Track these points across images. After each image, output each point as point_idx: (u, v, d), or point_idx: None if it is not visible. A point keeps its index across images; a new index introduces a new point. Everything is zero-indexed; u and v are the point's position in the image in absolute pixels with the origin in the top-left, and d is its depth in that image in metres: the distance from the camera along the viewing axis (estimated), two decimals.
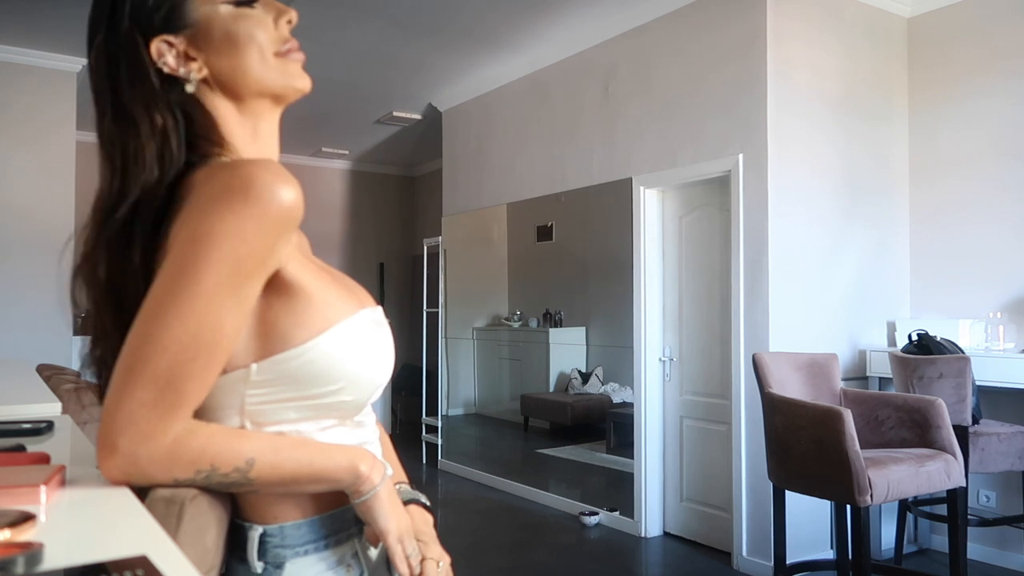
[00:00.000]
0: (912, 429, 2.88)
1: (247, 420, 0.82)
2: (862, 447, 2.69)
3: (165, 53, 0.84)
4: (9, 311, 4.77)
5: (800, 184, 3.77)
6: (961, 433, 3.01)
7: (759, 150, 3.69)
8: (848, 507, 2.89)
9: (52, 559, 0.57)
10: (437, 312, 6.27)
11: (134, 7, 0.84)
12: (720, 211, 4.00)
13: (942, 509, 3.56)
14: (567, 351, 5.12)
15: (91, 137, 0.90)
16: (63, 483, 0.79)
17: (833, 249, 3.89)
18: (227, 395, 0.82)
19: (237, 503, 0.87)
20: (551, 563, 3.93)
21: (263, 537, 0.86)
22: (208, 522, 0.79)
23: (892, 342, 4.00)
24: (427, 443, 6.36)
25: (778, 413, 2.80)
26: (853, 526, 2.71)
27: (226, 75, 0.87)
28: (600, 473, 4.91)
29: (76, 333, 5.39)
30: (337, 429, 0.88)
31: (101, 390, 0.86)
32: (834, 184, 3.90)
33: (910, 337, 3.49)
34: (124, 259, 0.83)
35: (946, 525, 3.17)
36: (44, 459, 0.90)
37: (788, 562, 3.03)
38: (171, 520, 0.74)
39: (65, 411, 1.69)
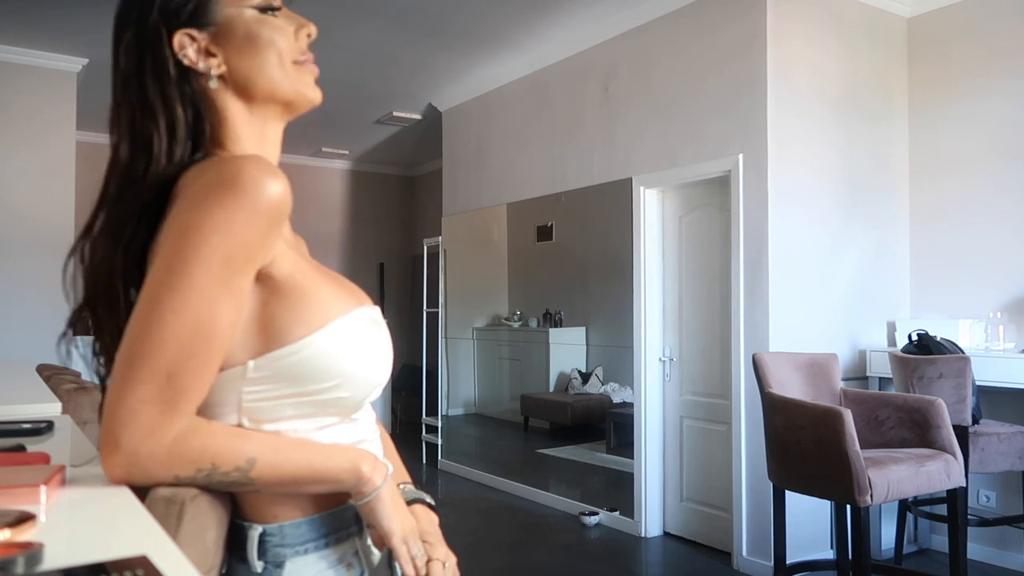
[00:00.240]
0: (912, 429, 2.88)
1: (245, 417, 0.83)
2: (862, 447, 2.69)
3: (187, 46, 0.87)
4: (9, 311, 4.77)
5: (800, 184, 3.77)
6: (961, 433, 3.01)
7: (759, 150, 3.69)
8: (848, 507, 2.89)
9: (52, 559, 0.57)
10: (437, 312, 6.27)
11: (163, 0, 0.87)
12: (720, 211, 4.00)
13: (942, 509, 3.56)
14: (567, 351, 5.12)
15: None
16: (63, 483, 0.79)
17: (833, 249, 3.89)
18: (225, 392, 0.82)
19: (237, 503, 0.88)
20: (551, 563, 3.93)
21: (263, 536, 0.86)
22: (208, 522, 0.79)
23: (892, 342, 4.00)
24: (427, 443, 6.36)
25: (778, 413, 2.80)
26: (853, 526, 2.71)
27: (243, 74, 0.88)
28: (600, 473, 4.91)
29: (76, 333, 5.40)
30: (335, 428, 0.88)
31: (104, 379, 0.89)
32: (834, 184, 3.90)
33: (910, 337, 3.49)
34: (116, 249, 0.85)
35: (946, 525, 3.17)
36: (44, 459, 0.90)
37: (788, 562, 3.03)
38: (171, 520, 0.74)
39: (65, 411, 1.69)
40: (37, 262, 4.84)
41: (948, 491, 2.81)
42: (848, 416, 2.55)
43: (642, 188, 4.31)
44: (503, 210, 5.60)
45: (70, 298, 0.89)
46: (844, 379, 3.70)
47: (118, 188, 0.86)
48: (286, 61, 0.90)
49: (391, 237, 8.65)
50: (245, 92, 0.89)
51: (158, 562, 0.56)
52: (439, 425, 6.17)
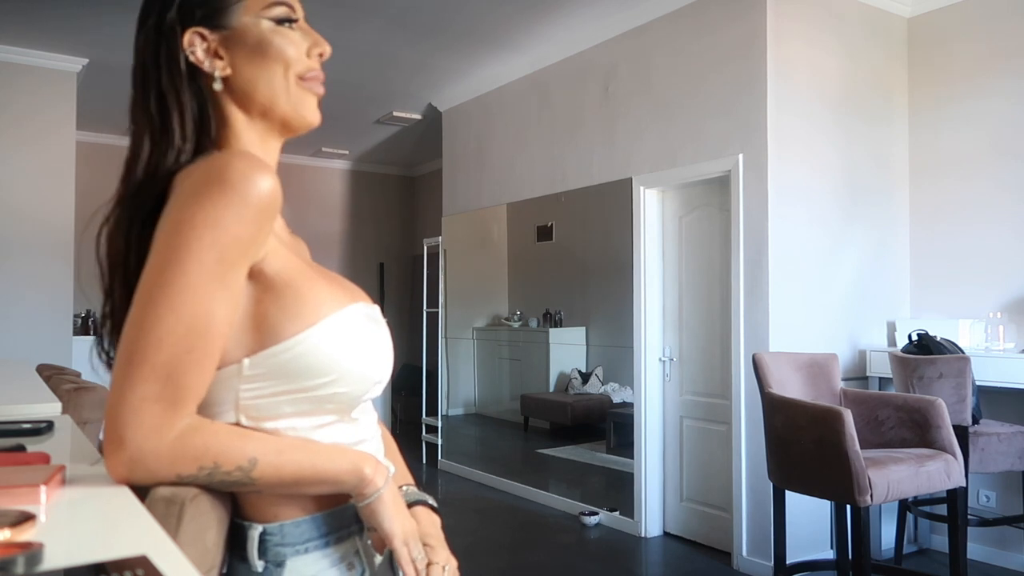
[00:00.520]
0: (912, 429, 2.88)
1: (242, 415, 0.83)
2: (862, 447, 2.69)
3: (196, 44, 0.88)
4: (9, 311, 4.77)
5: (800, 184, 3.77)
6: (961, 433, 3.01)
7: (759, 150, 3.69)
8: (848, 507, 2.89)
9: (52, 559, 0.57)
10: (437, 312, 6.27)
11: None
12: (720, 211, 4.00)
13: (942, 509, 3.56)
14: (567, 351, 5.12)
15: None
16: (63, 483, 0.79)
17: (833, 249, 3.89)
18: (222, 391, 0.82)
19: (237, 502, 0.88)
20: (551, 563, 3.93)
21: (263, 536, 0.86)
22: (208, 522, 0.79)
23: (892, 342, 4.00)
24: (427, 443, 6.36)
25: (778, 413, 2.80)
26: (853, 526, 2.71)
27: (246, 79, 0.89)
28: (600, 473, 4.91)
29: (76, 333, 5.39)
30: (334, 427, 0.88)
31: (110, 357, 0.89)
32: (834, 184, 3.90)
33: (910, 337, 3.49)
34: (123, 244, 0.87)
35: (946, 525, 3.17)
36: (44, 459, 0.90)
37: (788, 562, 3.03)
38: (171, 520, 0.74)
39: (65, 411, 1.69)
40: (37, 262, 4.84)
41: (948, 491, 2.81)
42: (848, 416, 2.55)
43: (642, 188, 4.31)
44: (503, 210, 5.60)
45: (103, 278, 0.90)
46: (844, 379, 3.70)
47: (130, 180, 0.88)
48: (291, 75, 0.90)
49: (391, 237, 8.65)
50: (246, 99, 0.90)
51: (158, 562, 0.56)
52: (439, 425, 6.17)
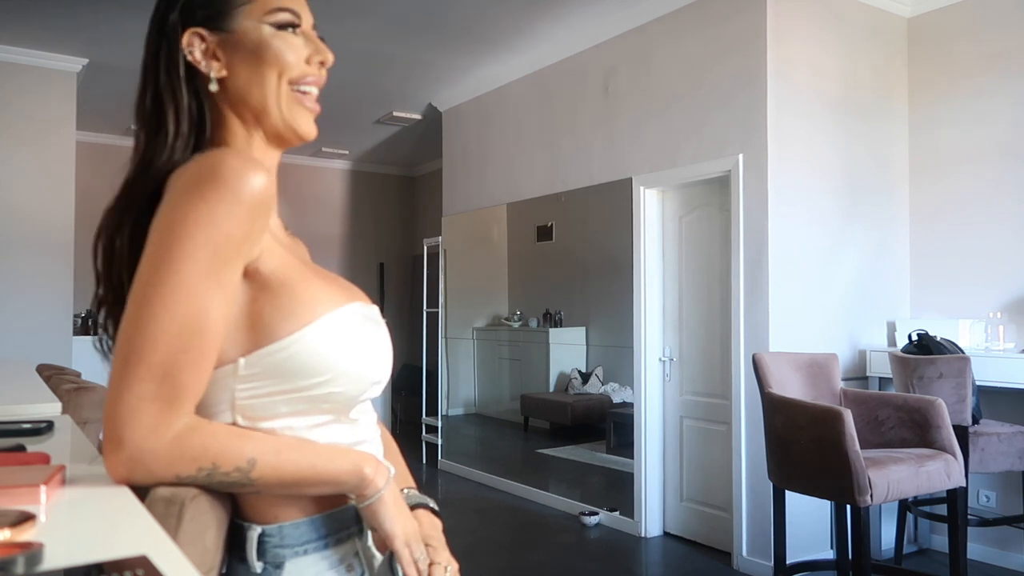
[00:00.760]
0: (912, 429, 2.88)
1: (239, 415, 0.83)
2: (862, 447, 2.69)
3: (194, 44, 0.88)
4: (9, 311, 4.77)
5: (800, 184, 3.77)
6: (961, 433, 3.01)
7: (759, 150, 3.69)
8: (848, 507, 2.88)
9: (52, 559, 0.57)
10: (437, 312, 6.27)
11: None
12: (720, 211, 4.00)
13: (942, 509, 3.56)
14: (567, 351, 5.12)
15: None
16: (63, 483, 0.79)
17: (833, 249, 3.89)
18: (218, 391, 0.82)
19: (237, 503, 0.88)
20: (551, 563, 3.93)
21: (262, 537, 0.86)
22: (208, 522, 0.79)
23: (892, 342, 4.00)
24: (427, 443, 6.36)
25: (778, 413, 2.80)
26: (853, 526, 2.71)
27: (241, 82, 0.89)
28: (600, 473, 4.91)
29: (76, 333, 5.39)
30: (332, 427, 0.87)
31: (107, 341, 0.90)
32: (834, 184, 3.90)
33: (910, 337, 3.49)
34: (120, 242, 0.87)
35: (946, 525, 3.17)
36: (44, 459, 0.90)
37: (788, 562, 3.03)
38: (171, 520, 0.74)
39: (65, 411, 1.69)
40: (37, 262, 4.84)
41: (948, 491, 2.81)
42: (848, 416, 2.55)
43: (642, 188, 4.31)
44: (503, 210, 5.60)
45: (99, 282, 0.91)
46: (844, 379, 3.70)
47: (131, 178, 0.88)
48: (284, 81, 0.90)
49: (391, 237, 8.65)
50: (240, 103, 0.90)
51: (158, 562, 0.56)
52: (439, 425, 6.17)
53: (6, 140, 4.84)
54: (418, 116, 6.48)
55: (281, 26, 0.90)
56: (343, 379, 0.85)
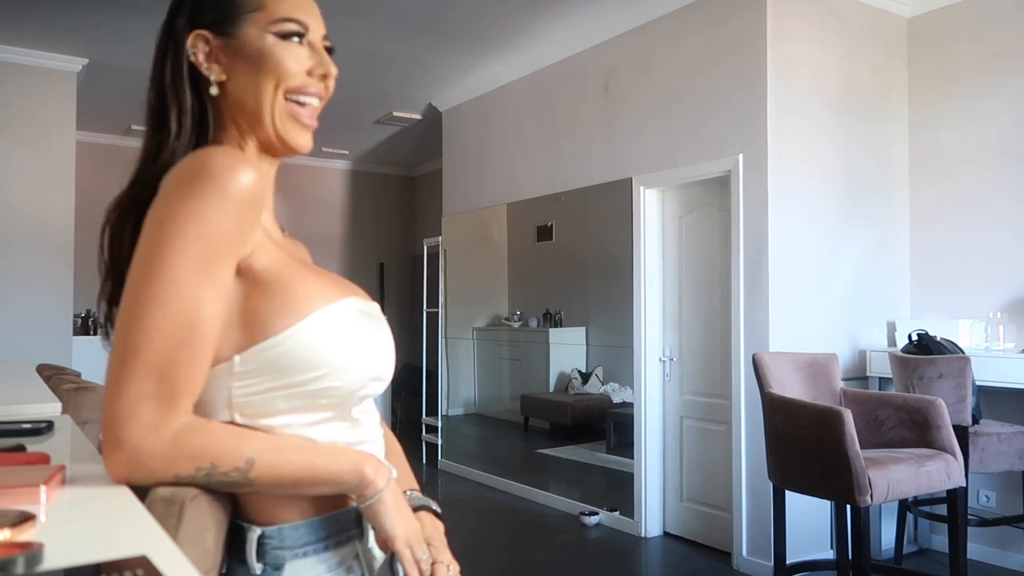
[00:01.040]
0: (912, 429, 2.88)
1: (236, 413, 0.82)
2: (862, 447, 2.69)
3: (198, 46, 0.89)
4: (9, 311, 4.77)
5: (800, 184, 3.77)
6: (961, 433, 3.01)
7: (759, 150, 3.69)
8: (848, 507, 2.88)
9: (52, 559, 0.57)
10: (437, 312, 6.27)
11: (196, 2, 0.91)
12: (720, 211, 4.00)
13: (942, 509, 3.56)
14: (567, 351, 5.12)
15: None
16: (63, 483, 0.79)
17: (833, 249, 3.89)
18: (214, 389, 0.82)
19: (238, 503, 0.88)
20: (551, 563, 3.93)
21: (261, 538, 0.86)
22: (208, 522, 0.79)
23: (892, 342, 4.00)
24: (427, 443, 6.36)
25: (778, 413, 2.80)
26: (853, 526, 2.71)
27: (240, 87, 0.90)
28: (600, 473, 4.91)
29: (76, 333, 5.39)
30: (332, 425, 0.87)
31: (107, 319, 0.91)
32: (834, 184, 3.89)
33: (910, 337, 3.49)
34: (121, 239, 0.89)
35: (946, 525, 3.17)
36: (44, 459, 0.90)
37: (788, 562, 3.03)
38: (171, 520, 0.74)
39: (65, 411, 1.69)
40: (37, 262, 4.84)
41: (948, 491, 2.81)
42: (848, 416, 2.55)
43: (642, 188, 4.31)
44: (503, 210, 5.60)
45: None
46: (844, 379, 3.70)
47: (136, 175, 0.90)
48: (281, 92, 0.90)
49: (391, 237, 8.65)
50: (238, 108, 0.90)
51: (158, 562, 0.56)
52: (439, 425, 6.17)
53: (6, 140, 4.84)
54: (418, 116, 6.48)
55: (285, 35, 0.91)
56: (340, 373, 0.84)
